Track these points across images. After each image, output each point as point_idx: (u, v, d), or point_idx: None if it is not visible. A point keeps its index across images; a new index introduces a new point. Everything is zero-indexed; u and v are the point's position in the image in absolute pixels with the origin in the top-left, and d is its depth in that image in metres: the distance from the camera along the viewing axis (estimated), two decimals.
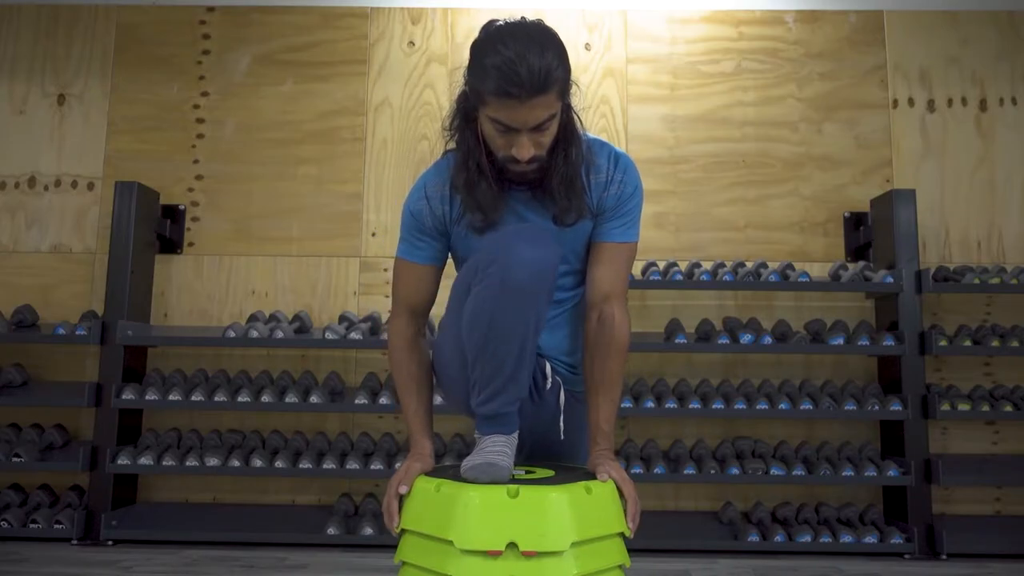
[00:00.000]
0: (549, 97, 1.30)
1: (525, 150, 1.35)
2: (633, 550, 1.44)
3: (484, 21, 1.38)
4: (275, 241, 3.52)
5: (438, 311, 1.53)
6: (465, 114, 1.44)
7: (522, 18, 1.37)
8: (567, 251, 1.50)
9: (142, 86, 3.62)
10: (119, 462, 3.03)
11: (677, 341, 3.12)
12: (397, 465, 3.00)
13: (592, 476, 1.38)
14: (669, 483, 3.20)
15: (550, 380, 1.53)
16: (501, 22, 1.36)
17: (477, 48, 1.34)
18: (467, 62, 1.37)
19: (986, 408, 3.07)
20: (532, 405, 1.51)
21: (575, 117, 1.45)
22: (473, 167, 1.42)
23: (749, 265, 3.25)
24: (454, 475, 1.36)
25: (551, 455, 1.63)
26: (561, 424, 1.56)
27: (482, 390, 1.35)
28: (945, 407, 3.05)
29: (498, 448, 1.33)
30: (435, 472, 1.42)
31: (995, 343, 3.11)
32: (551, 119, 1.34)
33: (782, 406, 3.06)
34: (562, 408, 1.56)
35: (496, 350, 1.32)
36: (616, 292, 1.49)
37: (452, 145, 1.49)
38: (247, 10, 3.66)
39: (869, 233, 3.38)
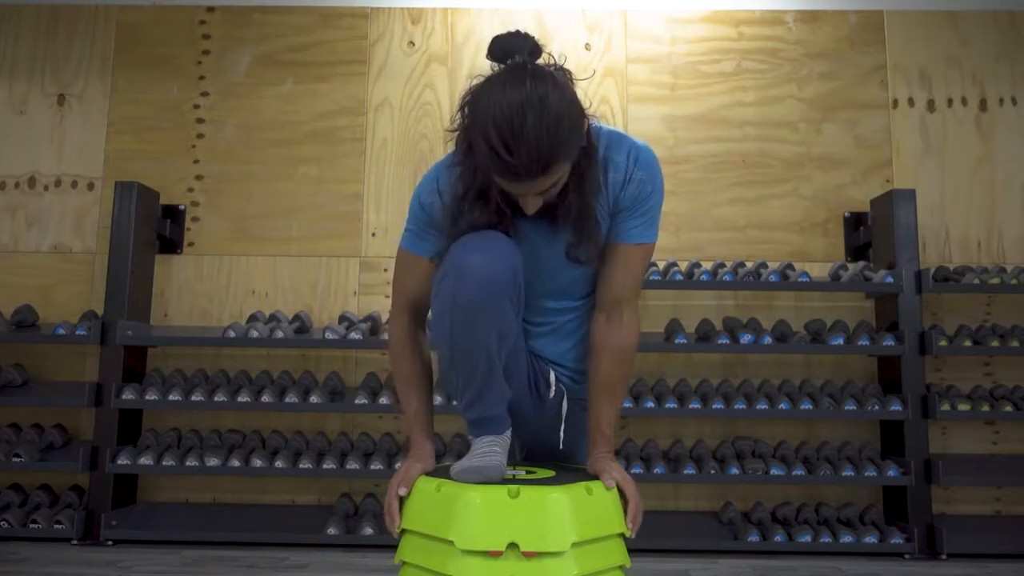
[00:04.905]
0: (552, 171, 1.20)
1: (531, 208, 1.28)
2: (633, 550, 1.44)
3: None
4: (275, 241, 3.52)
5: None
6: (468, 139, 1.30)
7: (526, 64, 1.22)
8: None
9: (142, 86, 3.62)
10: (119, 462, 3.03)
11: (677, 341, 3.12)
12: (397, 465, 3.00)
13: (592, 477, 1.38)
14: (669, 483, 3.20)
15: (553, 388, 1.51)
16: (502, 72, 1.22)
17: (476, 100, 1.22)
18: (467, 104, 1.26)
19: (986, 408, 3.07)
20: (534, 411, 1.50)
21: (590, 138, 1.33)
22: (474, 193, 1.33)
23: (749, 265, 3.25)
24: None
25: (551, 458, 1.62)
26: (561, 434, 1.54)
27: (462, 397, 1.35)
28: (945, 407, 3.05)
29: (487, 449, 1.32)
30: (436, 472, 1.42)
31: (995, 343, 3.11)
32: (559, 179, 1.25)
33: (782, 406, 3.06)
34: (563, 418, 1.53)
35: (463, 363, 1.29)
36: (627, 295, 1.44)
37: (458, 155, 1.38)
38: (247, 10, 3.66)
39: (869, 233, 3.38)
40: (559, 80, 1.23)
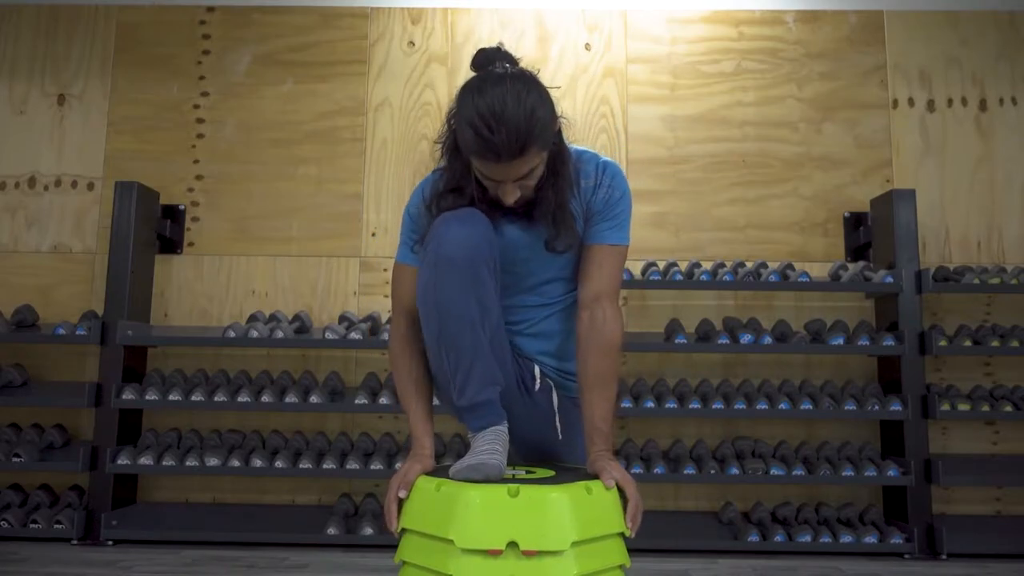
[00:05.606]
0: (529, 155, 1.33)
1: (510, 197, 1.39)
2: (633, 550, 1.44)
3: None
4: (275, 241, 3.52)
5: None
6: (455, 142, 1.44)
7: (504, 67, 1.37)
8: (554, 257, 1.52)
9: (142, 86, 3.62)
10: (119, 462, 3.03)
11: (677, 341, 3.12)
12: (397, 465, 3.00)
13: (592, 476, 1.39)
14: (669, 483, 3.20)
15: (539, 382, 1.54)
16: (483, 74, 1.36)
17: (460, 100, 1.36)
18: (453, 111, 1.40)
19: (986, 408, 3.07)
20: (524, 408, 1.53)
21: (562, 139, 1.47)
22: (450, 193, 1.45)
23: (749, 265, 3.25)
24: None
25: (549, 456, 1.63)
26: (558, 425, 1.57)
27: (454, 380, 1.39)
28: (945, 407, 3.04)
29: (487, 446, 1.34)
30: (436, 472, 1.42)
31: (995, 343, 3.11)
32: (535, 168, 1.38)
33: (782, 406, 3.06)
34: (556, 409, 1.57)
35: (449, 331, 1.36)
36: (607, 292, 1.50)
37: (443, 162, 1.51)
38: (247, 10, 3.66)
39: (869, 233, 3.38)
40: (535, 81, 1.38)
